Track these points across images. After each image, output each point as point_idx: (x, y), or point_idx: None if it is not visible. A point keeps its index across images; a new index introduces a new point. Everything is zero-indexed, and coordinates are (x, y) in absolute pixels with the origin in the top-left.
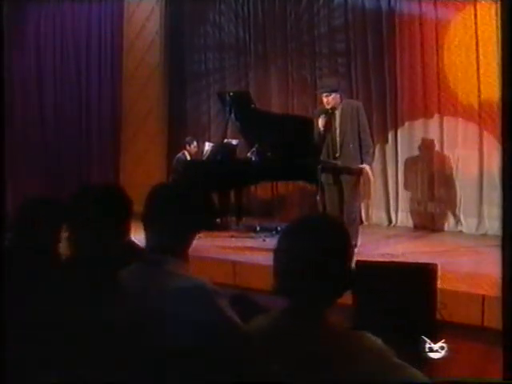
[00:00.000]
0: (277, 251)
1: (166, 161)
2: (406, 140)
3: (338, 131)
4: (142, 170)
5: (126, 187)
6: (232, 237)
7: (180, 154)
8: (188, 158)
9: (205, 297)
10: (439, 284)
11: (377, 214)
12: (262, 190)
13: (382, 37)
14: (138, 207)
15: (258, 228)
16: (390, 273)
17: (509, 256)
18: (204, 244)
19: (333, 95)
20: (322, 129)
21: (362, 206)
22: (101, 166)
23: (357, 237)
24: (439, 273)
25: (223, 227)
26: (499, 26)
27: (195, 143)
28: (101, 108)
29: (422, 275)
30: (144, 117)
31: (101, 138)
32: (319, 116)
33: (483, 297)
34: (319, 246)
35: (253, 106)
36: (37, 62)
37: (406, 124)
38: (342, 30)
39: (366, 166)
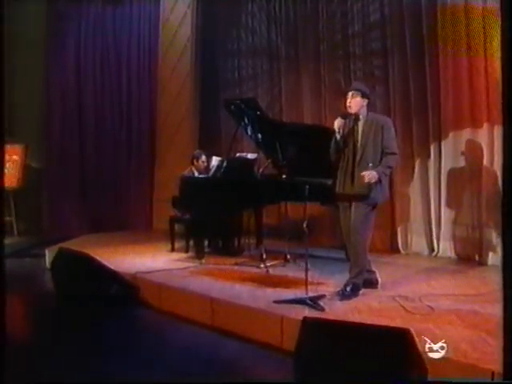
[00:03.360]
0: None
1: None
2: (450, 154)
3: (358, 145)
4: (173, 184)
5: (158, 201)
6: (236, 264)
7: (187, 171)
8: (196, 174)
9: None
10: (445, 353)
11: (417, 242)
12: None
13: (422, 34)
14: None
15: (264, 256)
16: (343, 338)
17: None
18: (200, 272)
19: (357, 98)
20: (337, 133)
21: (400, 232)
22: (138, 179)
23: (361, 274)
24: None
25: (230, 253)
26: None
27: (204, 157)
28: (140, 121)
29: (386, 345)
30: (176, 129)
31: (139, 151)
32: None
33: (492, 373)
34: None
35: (258, 113)
36: (77, 77)
37: (451, 135)
38: (377, 27)
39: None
